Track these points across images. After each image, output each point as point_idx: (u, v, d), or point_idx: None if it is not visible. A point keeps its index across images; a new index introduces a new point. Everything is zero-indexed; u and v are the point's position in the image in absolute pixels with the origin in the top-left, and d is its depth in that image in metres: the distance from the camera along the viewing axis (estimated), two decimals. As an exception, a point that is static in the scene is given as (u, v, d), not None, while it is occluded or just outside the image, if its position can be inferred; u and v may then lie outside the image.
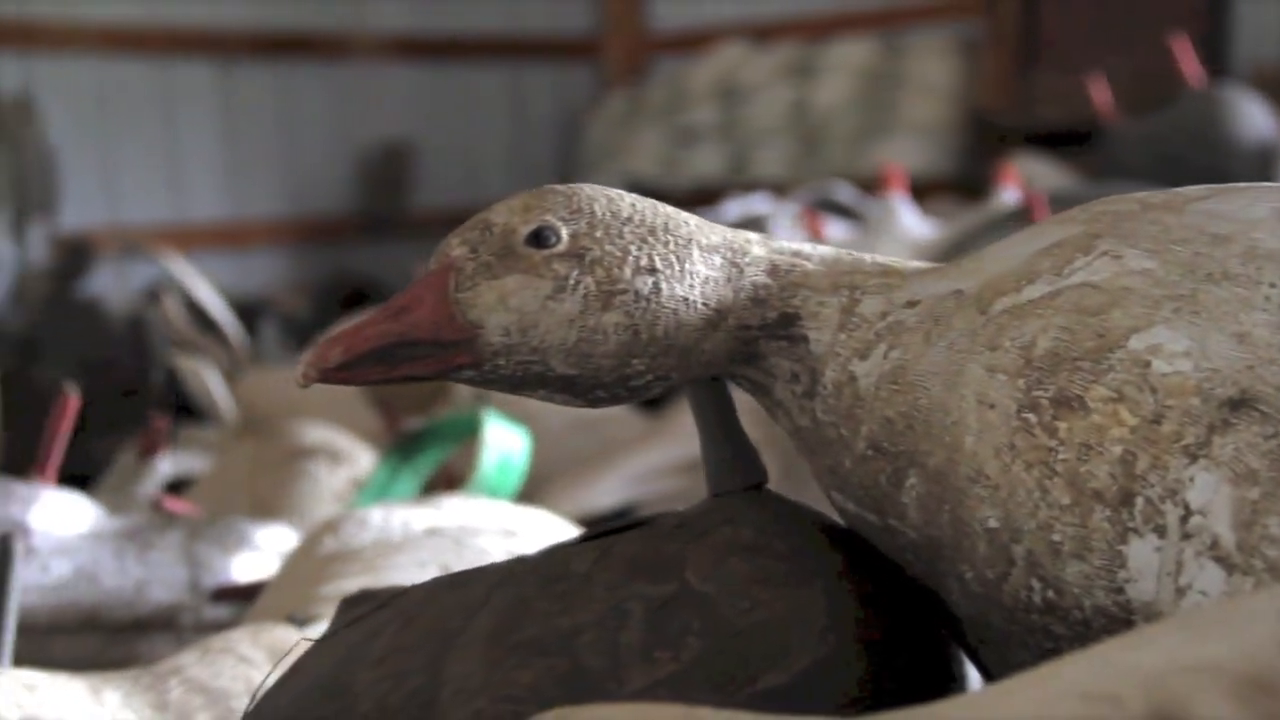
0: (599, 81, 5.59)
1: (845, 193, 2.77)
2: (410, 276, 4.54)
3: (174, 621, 1.16)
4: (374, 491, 1.23)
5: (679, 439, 1.65)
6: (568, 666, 0.57)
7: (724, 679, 0.57)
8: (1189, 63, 2.26)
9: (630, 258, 0.61)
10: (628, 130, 5.08)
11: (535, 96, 5.58)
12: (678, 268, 0.62)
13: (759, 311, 0.63)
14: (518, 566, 0.65)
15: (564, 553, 0.64)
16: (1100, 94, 2.42)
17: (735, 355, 0.64)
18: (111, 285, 3.90)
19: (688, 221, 0.64)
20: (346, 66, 5.11)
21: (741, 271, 0.64)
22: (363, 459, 1.41)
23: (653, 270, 0.61)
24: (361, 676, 0.60)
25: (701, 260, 0.63)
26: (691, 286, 0.62)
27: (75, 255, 3.87)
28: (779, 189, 3.48)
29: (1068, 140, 3.45)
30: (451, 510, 1.10)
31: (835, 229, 2.38)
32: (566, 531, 1.09)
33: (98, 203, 4.54)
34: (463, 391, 1.74)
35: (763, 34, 5.03)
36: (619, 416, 1.74)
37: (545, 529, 1.10)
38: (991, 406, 0.56)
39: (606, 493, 1.64)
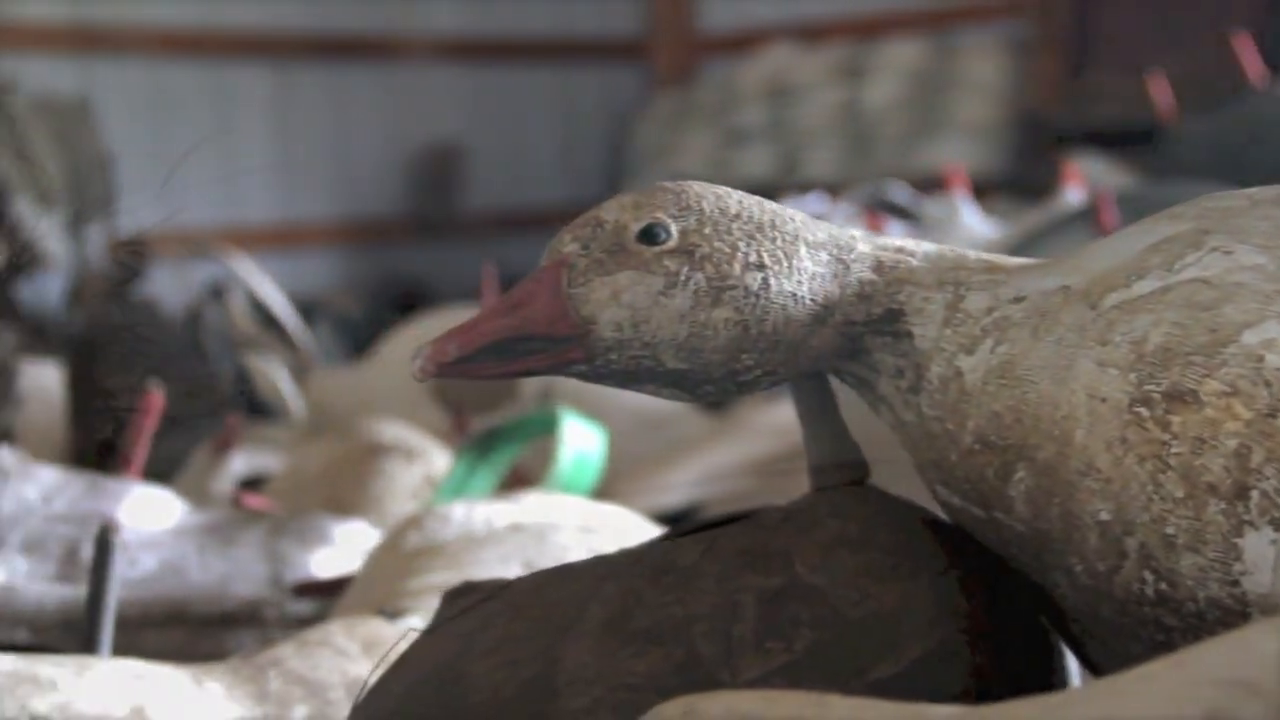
0: (648, 83, 5.60)
1: (900, 193, 2.77)
2: (461, 277, 4.56)
3: (258, 616, 1.17)
4: (452, 488, 1.24)
5: (745, 439, 1.66)
6: (683, 656, 0.58)
7: (835, 670, 0.58)
8: (1251, 60, 2.24)
9: (739, 254, 0.62)
10: (677, 132, 5.10)
11: (584, 98, 5.60)
12: (786, 264, 0.63)
13: (864, 307, 0.64)
14: (623, 559, 0.66)
15: (669, 546, 0.65)
16: (1160, 92, 2.41)
17: (840, 351, 0.65)
18: (168, 286, 3.93)
19: (793, 218, 0.65)
20: (398, 69, 5.14)
21: (847, 268, 0.64)
22: (436, 456, 1.43)
23: (761, 266, 0.62)
24: (475, 666, 0.61)
25: (809, 256, 0.63)
26: (799, 282, 0.63)
27: (132, 256, 3.91)
28: (830, 190, 3.48)
29: (1122, 140, 3.43)
30: (531, 506, 1.11)
31: (893, 230, 2.38)
32: (644, 528, 1.10)
33: (152, 204, 4.58)
34: (530, 391, 1.75)
35: (812, 34, 5.03)
36: (685, 416, 1.75)
37: (623, 525, 1.11)
38: (1103, 400, 0.56)
39: (673, 492, 1.65)
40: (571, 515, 1.11)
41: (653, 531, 1.08)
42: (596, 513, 1.13)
